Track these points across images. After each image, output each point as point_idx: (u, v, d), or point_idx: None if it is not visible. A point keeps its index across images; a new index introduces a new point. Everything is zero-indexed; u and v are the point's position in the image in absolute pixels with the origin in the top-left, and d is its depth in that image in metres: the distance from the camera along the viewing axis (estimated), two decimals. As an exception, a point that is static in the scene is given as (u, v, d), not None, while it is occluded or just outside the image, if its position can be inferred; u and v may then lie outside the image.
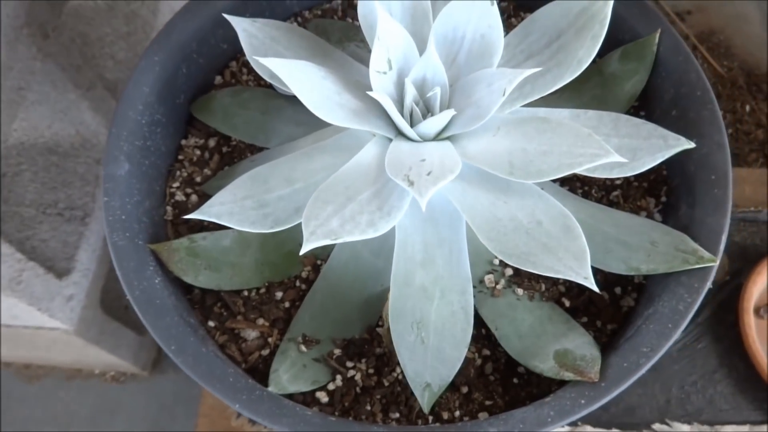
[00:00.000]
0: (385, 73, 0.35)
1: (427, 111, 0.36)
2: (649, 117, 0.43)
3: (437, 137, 0.36)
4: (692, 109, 0.39)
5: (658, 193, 0.41)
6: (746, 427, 0.56)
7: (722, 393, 0.56)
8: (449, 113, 0.34)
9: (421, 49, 0.36)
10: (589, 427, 0.53)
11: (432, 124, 0.35)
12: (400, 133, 0.36)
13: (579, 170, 0.32)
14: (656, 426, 0.55)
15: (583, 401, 0.31)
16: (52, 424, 0.81)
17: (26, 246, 0.63)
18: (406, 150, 0.35)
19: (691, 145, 0.36)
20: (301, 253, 0.30)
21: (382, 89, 0.35)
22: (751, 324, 0.56)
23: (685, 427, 0.56)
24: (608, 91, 0.43)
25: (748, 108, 0.84)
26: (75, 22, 0.64)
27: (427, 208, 0.35)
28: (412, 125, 0.36)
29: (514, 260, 0.32)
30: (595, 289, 0.31)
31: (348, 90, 0.36)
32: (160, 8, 0.72)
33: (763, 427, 0.56)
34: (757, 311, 0.58)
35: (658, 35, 0.41)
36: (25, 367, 0.85)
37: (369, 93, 0.33)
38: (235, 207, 0.35)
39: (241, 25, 0.39)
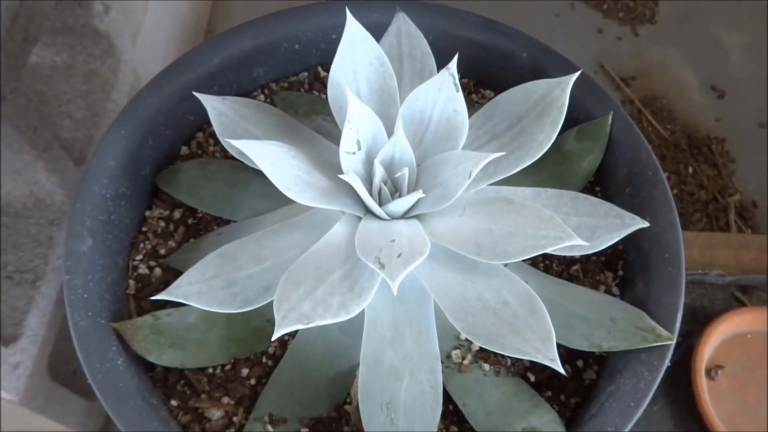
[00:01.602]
0: (354, 153, 0.36)
1: (395, 190, 0.37)
2: (605, 193, 0.45)
3: (405, 215, 0.37)
4: (645, 189, 0.41)
5: (616, 267, 0.43)
6: (702, 488, 0.57)
7: (678, 456, 0.58)
8: (417, 194, 0.35)
9: (389, 129, 0.37)
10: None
11: (400, 204, 0.36)
12: (369, 212, 0.37)
13: (542, 252, 0.33)
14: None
15: (550, 483, 0.32)
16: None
17: (-30, 311, 0.60)
18: (375, 229, 0.35)
19: (646, 224, 0.38)
20: (273, 338, 0.30)
21: (351, 169, 0.35)
22: (703, 386, 0.58)
23: (643, 490, 0.56)
24: (566, 168, 0.45)
25: (690, 170, 0.88)
26: (32, 80, 0.63)
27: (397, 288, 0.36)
28: (380, 204, 0.36)
29: (482, 341, 0.32)
30: (561, 371, 0.31)
31: (318, 169, 0.36)
32: (121, 67, 0.73)
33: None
34: (708, 373, 0.60)
35: (610, 117, 0.44)
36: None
37: (340, 176, 0.34)
38: (204, 287, 0.34)
39: (211, 103, 0.39)
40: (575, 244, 0.32)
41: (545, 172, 0.45)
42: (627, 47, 0.99)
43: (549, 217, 0.34)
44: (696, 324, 0.62)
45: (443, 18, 0.48)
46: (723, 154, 0.90)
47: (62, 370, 0.73)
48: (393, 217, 0.37)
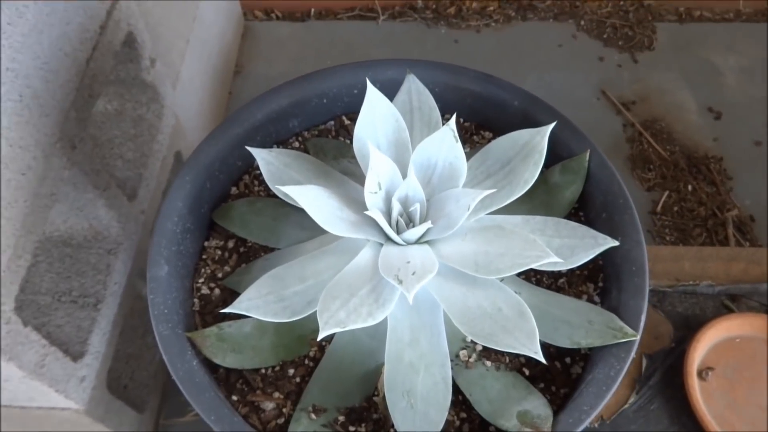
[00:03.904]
0: (375, 192, 0.45)
1: (410, 221, 0.46)
2: (587, 216, 0.54)
3: (418, 241, 0.46)
4: (616, 214, 0.50)
5: (597, 279, 0.51)
6: (696, 479, 0.62)
7: (675, 449, 0.60)
8: (426, 225, 0.44)
9: (403, 172, 0.46)
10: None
11: (414, 233, 0.45)
12: (389, 239, 0.46)
13: (527, 268, 0.42)
14: (617, 482, 0.61)
15: (539, 451, 0.40)
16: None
17: (43, 332, 0.69)
18: (394, 253, 0.44)
19: (616, 243, 0.46)
20: (318, 339, 0.39)
21: (374, 206, 0.45)
22: (695, 386, 0.63)
23: (642, 482, 0.61)
24: (553, 197, 0.54)
25: (690, 187, 0.92)
26: (90, 127, 0.71)
27: (413, 300, 0.45)
28: (398, 233, 0.45)
29: (481, 339, 0.41)
30: (543, 360, 0.40)
31: (347, 206, 0.46)
32: (164, 112, 0.82)
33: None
34: (699, 374, 0.65)
35: (588, 154, 0.52)
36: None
37: (365, 212, 0.43)
38: (260, 302, 0.44)
39: (260, 155, 0.49)
40: (554, 261, 0.41)
41: (536, 201, 0.54)
42: (627, 73, 1.04)
43: (533, 240, 0.43)
44: (688, 330, 0.68)
45: (447, 73, 0.58)
46: (721, 172, 0.93)
47: (115, 385, 0.82)
48: (408, 243, 0.46)
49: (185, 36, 0.83)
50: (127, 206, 0.64)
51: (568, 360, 0.49)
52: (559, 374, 0.48)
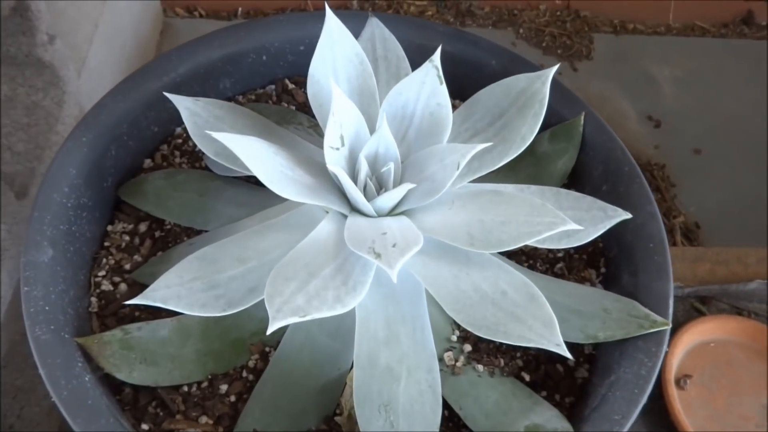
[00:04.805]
0: (338, 149, 0.35)
1: (380, 187, 0.36)
2: (581, 192, 0.45)
3: (392, 212, 0.36)
4: (622, 184, 0.42)
5: (598, 264, 0.43)
6: (678, 495, 0.56)
7: (656, 465, 0.57)
8: (406, 186, 0.34)
9: (371, 127, 0.36)
10: None
11: (388, 198, 0.35)
12: (355, 209, 0.36)
13: (538, 238, 0.32)
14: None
15: (564, 476, 0.30)
16: None
17: None
18: (364, 225, 0.34)
19: (629, 215, 0.38)
20: (268, 331, 0.27)
21: (335, 164, 0.34)
22: (674, 395, 0.58)
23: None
24: (542, 169, 0.45)
25: None
26: None
27: (388, 285, 0.34)
28: (367, 200, 0.35)
29: (483, 331, 0.31)
30: (568, 355, 0.30)
31: (300, 166, 0.35)
32: (66, 99, 0.70)
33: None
34: (677, 383, 0.60)
35: (582, 117, 0.44)
36: None
37: (327, 165, 0.33)
38: (183, 290, 0.32)
39: (183, 103, 0.38)
40: (571, 228, 0.32)
41: (522, 174, 0.45)
42: (567, 81, 1.01)
43: (541, 205, 0.34)
44: (665, 335, 0.64)
45: (413, 29, 0.48)
46: (664, 179, 0.92)
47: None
48: (380, 214, 0.36)
49: (93, 19, 0.75)
50: (15, 205, 0.55)
51: (570, 362, 0.40)
52: (562, 380, 0.39)
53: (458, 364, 0.37)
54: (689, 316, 0.69)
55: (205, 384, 0.36)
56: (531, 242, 0.33)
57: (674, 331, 0.63)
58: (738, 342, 0.63)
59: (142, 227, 0.42)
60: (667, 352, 0.60)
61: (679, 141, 0.94)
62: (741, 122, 0.94)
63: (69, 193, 0.38)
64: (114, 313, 0.38)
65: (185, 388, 0.36)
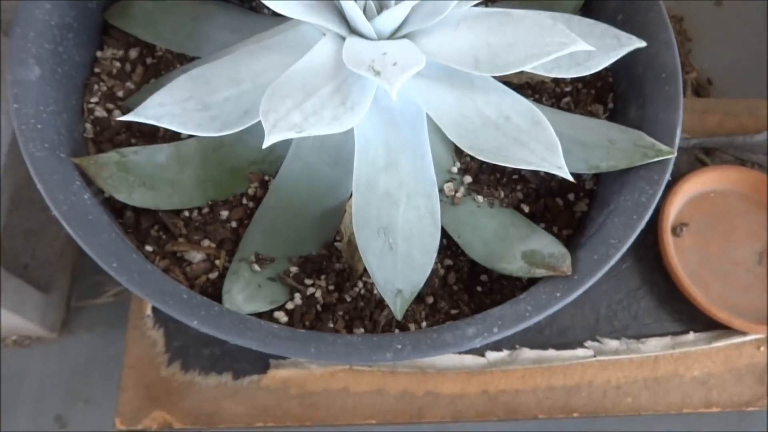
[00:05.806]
0: (335, -39, 0.32)
1: (381, 8, 0.34)
2: (594, 23, 0.43)
3: (393, 36, 0.34)
4: (638, 13, 0.39)
5: (606, 100, 0.42)
6: (668, 338, 0.59)
7: (646, 308, 0.59)
8: (409, 4, 0.32)
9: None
10: (526, 350, 0.53)
11: (390, 17, 0.33)
12: (354, 31, 0.34)
13: (546, 59, 0.31)
14: (588, 343, 0.56)
15: (558, 294, 0.31)
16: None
17: None
18: (364, 46, 0.32)
19: (643, 43, 0.36)
20: (264, 146, 0.27)
21: (333, -21, 0.32)
22: (669, 242, 0.59)
23: (614, 342, 0.58)
24: (554, 1, 0.42)
25: None
26: None
27: (388, 111, 0.33)
28: (368, 20, 0.33)
29: (485, 155, 0.31)
30: (570, 177, 0.30)
31: (296, -19, 0.32)
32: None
33: (683, 337, 0.59)
34: (674, 230, 0.61)
35: (601, -60, 0.41)
36: None
37: (325, -23, 0.30)
38: (177, 108, 0.31)
39: None
40: (583, 49, 0.30)
41: (533, 6, 0.42)
42: None
43: (551, 25, 0.32)
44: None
45: None
46: (681, 32, 0.88)
47: (13, 263, 0.70)
48: (380, 37, 0.34)
49: None
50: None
51: (571, 197, 0.40)
52: (560, 212, 0.39)
53: (458, 194, 0.37)
54: (692, 167, 0.68)
55: (205, 210, 0.36)
56: (539, 66, 0.32)
57: (675, 181, 0.62)
58: (738, 192, 0.63)
59: (133, 53, 0.40)
60: (665, 201, 0.61)
61: (701, -10, 0.89)
62: (766, -25, 0.90)
63: (52, 11, 0.35)
64: (110, 140, 0.37)
65: (186, 213, 0.36)
